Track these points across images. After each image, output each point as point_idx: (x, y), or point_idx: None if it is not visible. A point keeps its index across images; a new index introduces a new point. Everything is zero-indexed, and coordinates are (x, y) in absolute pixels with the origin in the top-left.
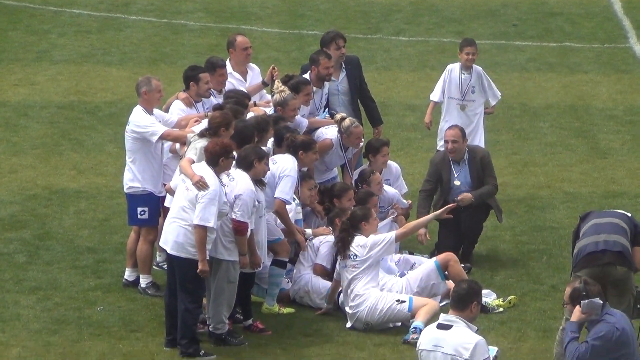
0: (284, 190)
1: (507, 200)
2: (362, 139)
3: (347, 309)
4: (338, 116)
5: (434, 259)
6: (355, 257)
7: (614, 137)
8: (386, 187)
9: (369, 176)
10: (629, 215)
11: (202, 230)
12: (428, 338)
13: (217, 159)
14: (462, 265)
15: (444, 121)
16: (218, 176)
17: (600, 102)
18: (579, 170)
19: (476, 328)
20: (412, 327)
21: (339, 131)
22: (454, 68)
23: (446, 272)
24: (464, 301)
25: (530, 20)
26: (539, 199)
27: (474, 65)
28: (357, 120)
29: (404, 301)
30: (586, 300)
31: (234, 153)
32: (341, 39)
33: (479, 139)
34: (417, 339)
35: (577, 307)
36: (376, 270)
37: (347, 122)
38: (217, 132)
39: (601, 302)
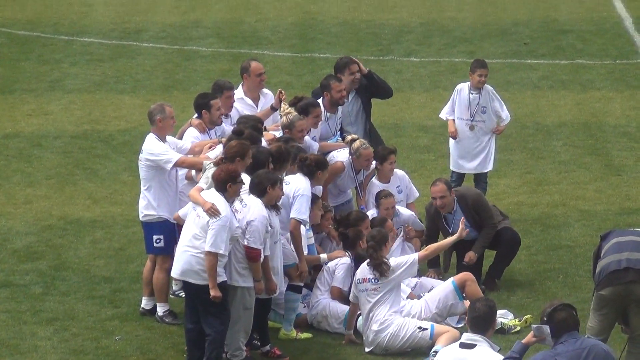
0: (300, 209)
1: (522, 219)
2: (372, 161)
3: (367, 333)
4: (349, 137)
5: (451, 279)
6: (376, 280)
7: (627, 153)
8: (401, 209)
9: (381, 198)
10: None
11: (212, 257)
12: (450, 357)
13: (223, 185)
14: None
15: (455, 142)
16: (229, 202)
17: (614, 119)
18: (594, 188)
19: (499, 348)
20: (432, 351)
21: (350, 152)
22: (463, 88)
23: (463, 294)
24: (485, 321)
25: (541, 39)
26: (554, 218)
27: (485, 85)
28: (369, 141)
29: (426, 328)
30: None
31: (243, 178)
32: (355, 64)
33: (489, 160)
34: None
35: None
36: (397, 293)
37: (357, 143)
38: (233, 162)
39: (548, 330)
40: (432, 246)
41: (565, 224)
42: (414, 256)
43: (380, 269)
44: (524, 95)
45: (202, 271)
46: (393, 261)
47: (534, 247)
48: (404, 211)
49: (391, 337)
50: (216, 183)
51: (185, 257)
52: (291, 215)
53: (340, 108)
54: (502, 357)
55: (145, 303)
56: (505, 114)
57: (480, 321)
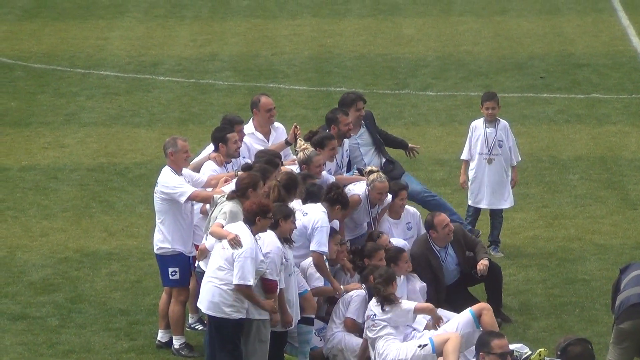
0: (321, 242)
1: (538, 253)
2: (386, 195)
3: None
4: (368, 169)
5: (469, 309)
6: (374, 316)
7: None
8: (394, 241)
9: (376, 239)
10: None
11: (244, 289)
12: None
13: (253, 218)
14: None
15: (473, 177)
16: (254, 235)
17: (630, 153)
18: (610, 222)
19: None
20: None
21: (367, 184)
22: (478, 125)
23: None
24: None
25: (557, 73)
26: (570, 252)
27: (500, 119)
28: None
29: (426, 344)
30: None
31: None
32: (361, 101)
33: (507, 194)
34: None
35: None
36: (399, 331)
37: (373, 175)
38: (245, 194)
39: None
40: (430, 306)
41: (581, 258)
42: (412, 306)
43: (389, 300)
44: (539, 129)
45: (222, 304)
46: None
47: (550, 281)
48: (396, 242)
49: None
50: (246, 215)
51: (208, 288)
52: (312, 249)
53: (346, 141)
54: None
55: (161, 336)
56: (515, 156)
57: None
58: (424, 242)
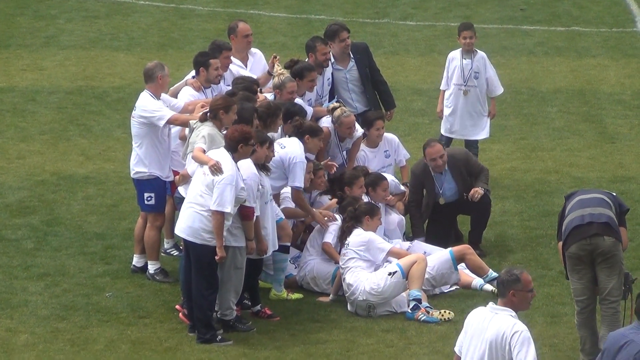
0: (297, 178)
1: (515, 185)
2: (354, 129)
3: (347, 297)
4: (330, 106)
5: (449, 249)
6: (347, 245)
7: (622, 121)
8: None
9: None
10: (614, 194)
11: (219, 216)
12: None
13: (235, 145)
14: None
15: (447, 107)
16: (236, 162)
17: (608, 87)
18: (587, 155)
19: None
20: (411, 299)
21: (332, 121)
22: (456, 55)
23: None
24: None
25: (537, 5)
26: (547, 184)
27: (477, 50)
28: (356, 108)
29: (395, 271)
30: None
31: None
32: (344, 31)
33: (483, 126)
34: (423, 316)
35: None
36: (369, 265)
37: (337, 112)
38: (217, 116)
39: None
40: (408, 257)
41: (558, 191)
42: (388, 247)
43: (341, 234)
44: (519, 61)
45: (202, 230)
46: (370, 236)
47: (527, 213)
48: (386, 177)
49: (363, 293)
50: (228, 142)
51: (189, 213)
52: (289, 184)
53: (326, 70)
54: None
55: (136, 260)
56: (498, 87)
57: (498, 289)
58: (423, 165)
